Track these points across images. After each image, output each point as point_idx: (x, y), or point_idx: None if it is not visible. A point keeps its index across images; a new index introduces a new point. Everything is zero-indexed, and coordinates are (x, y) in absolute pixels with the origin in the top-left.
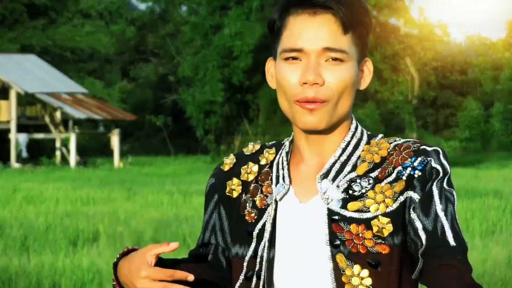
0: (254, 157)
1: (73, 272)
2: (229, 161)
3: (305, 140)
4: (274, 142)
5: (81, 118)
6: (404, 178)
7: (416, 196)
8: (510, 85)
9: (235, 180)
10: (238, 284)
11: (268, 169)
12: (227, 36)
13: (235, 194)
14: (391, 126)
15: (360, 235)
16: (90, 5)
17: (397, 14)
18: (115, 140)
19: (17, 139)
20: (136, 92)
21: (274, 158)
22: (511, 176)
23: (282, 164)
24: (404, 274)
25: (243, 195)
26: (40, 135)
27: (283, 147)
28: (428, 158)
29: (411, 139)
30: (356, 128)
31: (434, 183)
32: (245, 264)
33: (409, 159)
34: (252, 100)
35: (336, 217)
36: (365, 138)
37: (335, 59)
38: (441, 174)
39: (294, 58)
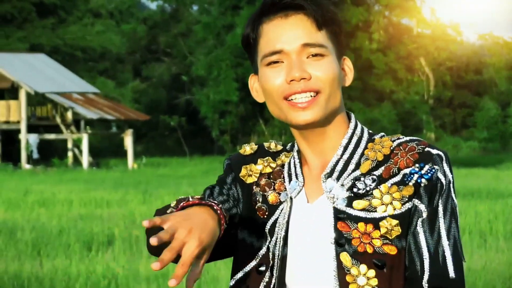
0: (274, 155)
1: (88, 277)
2: (249, 148)
3: (304, 141)
4: (292, 143)
5: (93, 118)
6: (411, 184)
7: (422, 208)
8: None
9: (253, 167)
10: (246, 271)
11: (280, 168)
12: (240, 35)
13: (249, 180)
14: (409, 126)
15: (368, 234)
16: (100, 4)
17: (409, 14)
18: (128, 140)
19: (28, 140)
20: (149, 92)
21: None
22: None
23: (294, 163)
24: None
25: (254, 185)
26: (51, 136)
27: (294, 147)
28: (435, 167)
29: (415, 138)
30: (356, 126)
31: (440, 199)
32: (257, 257)
33: (417, 165)
34: None
35: (342, 216)
36: (365, 135)
37: (315, 55)
38: (445, 186)
39: (275, 62)
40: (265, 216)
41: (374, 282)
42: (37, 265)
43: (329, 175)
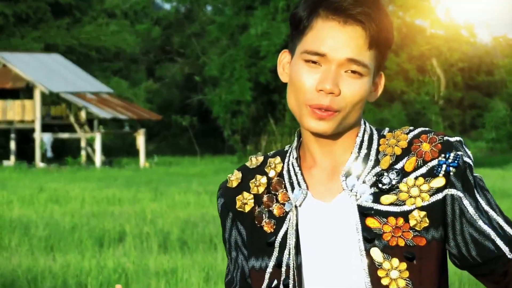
0: (260, 169)
1: (99, 272)
2: (234, 177)
3: (315, 143)
4: (275, 151)
5: (106, 117)
6: (441, 175)
7: (460, 194)
8: None
9: (245, 194)
10: None
11: (278, 178)
12: (253, 36)
13: (247, 208)
14: (417, 126)
15: (399, 227)
16: (115, 4)
17: (423, 14)
18: (141, 140)
19: (42, 139)
20: (162, 92)
21: (282, 167)
22: None
23: (294, 170)
24: (441, 269)
25: (256, 207)
26: (65, 135)
27: (290, 154)
28: (459, 153)
29: (428, 129)
30: (365, 124)
31: (471, 180)
32: (267, 275)
33: (442, 155)
34: (278, 100)
35: (370, 212)
36: (374, 131)
37: (354, 72)
38: (472, 167)
39: (314, 62)
40: (273, 230)
41: (406, 274)
42: (50, 260)
43: (349, 173)
